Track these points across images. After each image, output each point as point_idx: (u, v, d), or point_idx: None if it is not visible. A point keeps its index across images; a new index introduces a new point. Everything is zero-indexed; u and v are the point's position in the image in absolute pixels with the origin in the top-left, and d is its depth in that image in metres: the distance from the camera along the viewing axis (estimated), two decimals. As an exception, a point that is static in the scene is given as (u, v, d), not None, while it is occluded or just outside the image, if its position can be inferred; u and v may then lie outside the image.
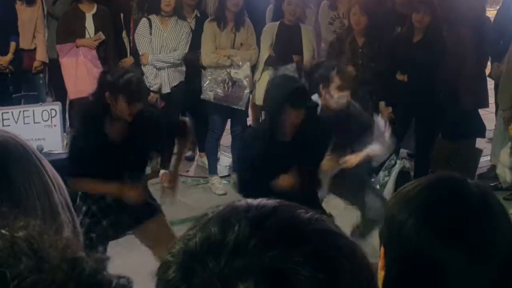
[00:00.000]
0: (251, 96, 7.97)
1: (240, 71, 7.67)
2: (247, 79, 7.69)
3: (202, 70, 7.86)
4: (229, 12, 7.72)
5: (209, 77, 7.73)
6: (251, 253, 0.90)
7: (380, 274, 1.61)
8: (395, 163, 7.45)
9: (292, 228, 0.94)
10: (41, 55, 8.52)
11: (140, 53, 7.87)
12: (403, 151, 8.32)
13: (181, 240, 0.98)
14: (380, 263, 1.62)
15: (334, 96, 5.69)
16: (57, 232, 0.98)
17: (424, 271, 1.54)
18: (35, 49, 8.50)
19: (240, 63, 7.66)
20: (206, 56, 7.75)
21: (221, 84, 7.68)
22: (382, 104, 7.51)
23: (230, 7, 7.67)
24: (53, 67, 8.57)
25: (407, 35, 7.45)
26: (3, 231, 0.93)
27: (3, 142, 1.48)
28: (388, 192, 7.34)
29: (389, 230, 1.62)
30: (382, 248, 1.64)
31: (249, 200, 1.00)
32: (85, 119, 5.05)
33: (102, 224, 5.04)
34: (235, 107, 7.76)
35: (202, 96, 7.78)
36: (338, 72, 5.74)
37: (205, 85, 7.75)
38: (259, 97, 7.73)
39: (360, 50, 7.44)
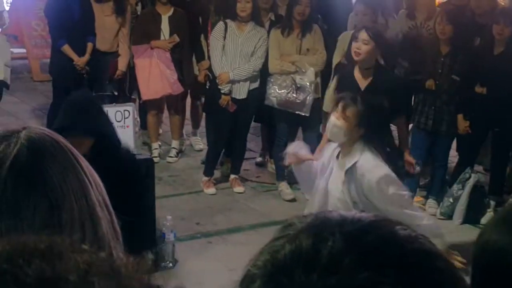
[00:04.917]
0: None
1: (305, 76, 7.63)
2: (312, 85, 7.63)
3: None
4: (295, 20, 7.70)
5: (274, 83, 7.72)
6: (345, 271, 0.84)
7: None
8: (470, 177, 7.28)
9: (390, 247, 0.88)
10: (123, 65, 8.63)
11: (213, 67, 7.81)
12: (478, 166, 8.15)
13: (266, 251, 0.92)
14: None
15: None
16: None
17: None
18: (111, 53, 8.59)
19: (304, 69, 7.61)
20: (271, 63, 7.77)
21: (284, 90, 7.65)
22: (460, 117, 7.36)
23: (296, 16, 7.68)
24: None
25: (487, 47, 7.30)
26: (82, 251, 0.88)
27: (39, 139, 1.44)
28: (461, 205, 7.22)
29: (487, 256, 1.53)
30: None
31: (342, 212, 0.95)
32: None
33: None
34: (298, 113, 7.68)
35: (266, 102, 7.77)
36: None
37: (269, 90, 7.73)
38: (326, 104, 7.64)
39: (442, 60, 7.30)
